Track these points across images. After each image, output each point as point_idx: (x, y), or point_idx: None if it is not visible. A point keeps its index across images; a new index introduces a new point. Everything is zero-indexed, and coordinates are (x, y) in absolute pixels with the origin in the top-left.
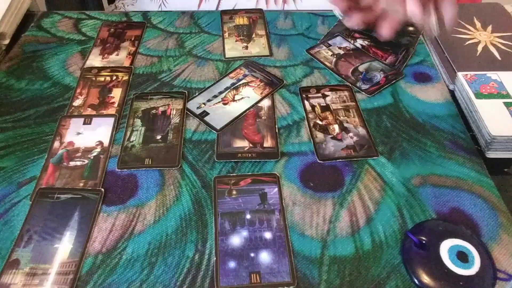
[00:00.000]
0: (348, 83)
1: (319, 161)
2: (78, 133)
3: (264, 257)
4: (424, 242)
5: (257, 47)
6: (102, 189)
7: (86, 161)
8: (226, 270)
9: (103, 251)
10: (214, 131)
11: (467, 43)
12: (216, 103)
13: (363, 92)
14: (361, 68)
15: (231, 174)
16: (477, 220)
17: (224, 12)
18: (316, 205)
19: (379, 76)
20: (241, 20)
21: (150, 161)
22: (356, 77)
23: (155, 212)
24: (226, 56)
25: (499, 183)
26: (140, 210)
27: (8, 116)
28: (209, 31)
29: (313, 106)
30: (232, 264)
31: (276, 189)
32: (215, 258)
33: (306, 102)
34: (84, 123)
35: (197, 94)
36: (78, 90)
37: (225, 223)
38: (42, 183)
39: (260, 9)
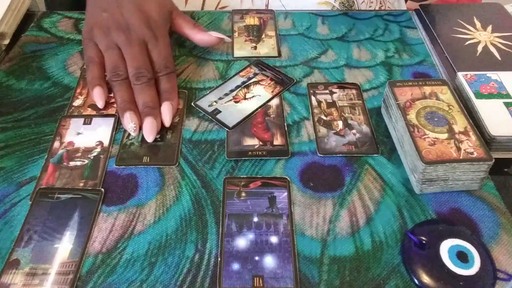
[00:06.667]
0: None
1: (319, 155)
2: (78, 133)
3: (269, 261)
4: (424, 242)
5: (266, 47)
6: (102, 189)
7: (86, 161)
8: (229, 271)
9: (103, 251)
10: (227, 129)
11: (467, 43)
12: (228, 101)
13: None
14: None
15: (242, 176)
16: (477, 220)
17: (235, 11)
18: (316, 205)
19: None
20: (251, 20)
21: (148, 159)
22: None
23: (155, 212)
24: (234, 55)
25: (499, 183)
26: (140, 210)
27: (8, 116)
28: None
29: (319, 102)
30: (236, 266)
31: (286, 193)
32: (219, 259)
33: (312, 97)
34: (84, 123)
35: (208, 92)
36: (78, 90)
37: (232, 225)
38: (42, 183)
39: (272, 10)
